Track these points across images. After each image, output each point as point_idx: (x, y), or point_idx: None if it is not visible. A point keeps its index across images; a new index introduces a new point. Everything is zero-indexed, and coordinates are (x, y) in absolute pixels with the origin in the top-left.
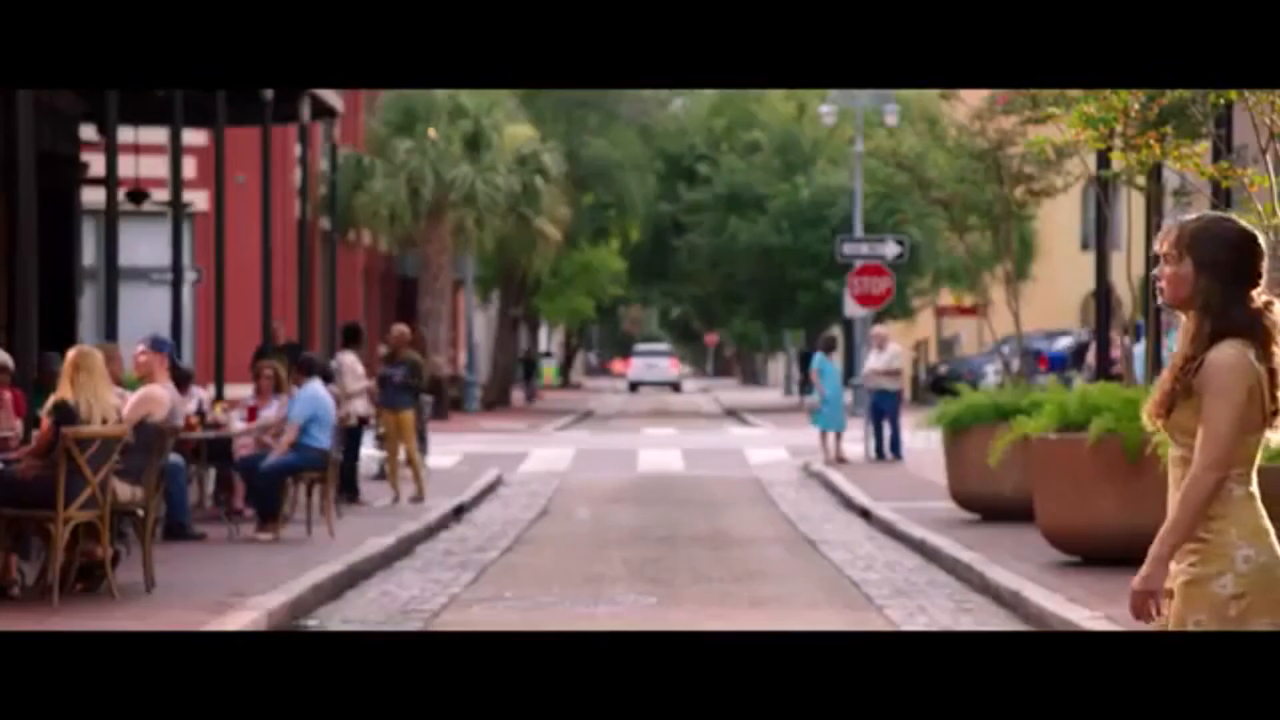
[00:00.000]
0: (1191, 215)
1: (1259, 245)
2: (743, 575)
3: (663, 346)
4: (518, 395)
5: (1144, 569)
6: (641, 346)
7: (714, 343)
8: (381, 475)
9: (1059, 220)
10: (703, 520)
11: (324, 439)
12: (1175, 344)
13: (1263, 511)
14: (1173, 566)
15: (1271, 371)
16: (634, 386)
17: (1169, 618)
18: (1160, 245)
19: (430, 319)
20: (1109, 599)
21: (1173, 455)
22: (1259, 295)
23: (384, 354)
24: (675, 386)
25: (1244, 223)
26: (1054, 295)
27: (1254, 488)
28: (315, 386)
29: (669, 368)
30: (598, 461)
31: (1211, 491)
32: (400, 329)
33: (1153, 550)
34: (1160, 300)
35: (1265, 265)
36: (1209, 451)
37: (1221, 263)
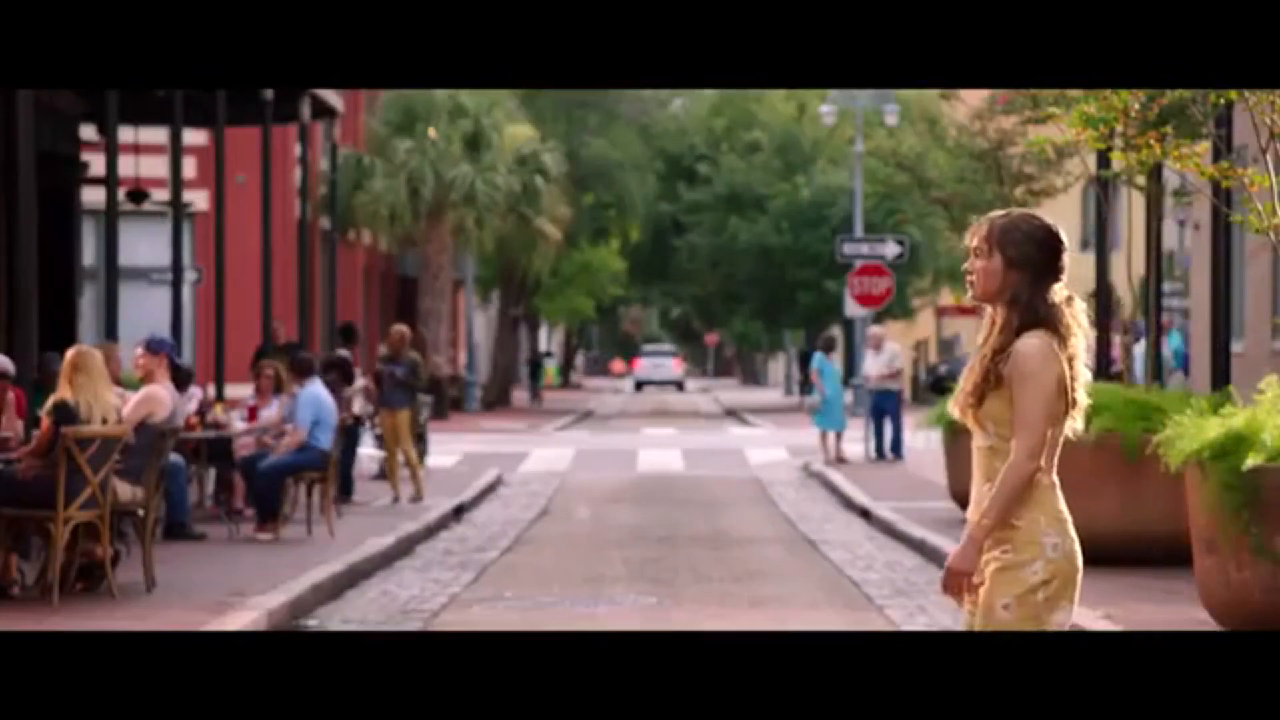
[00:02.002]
0: (1000, 212)
1: (1063, 242)
2: (743, 575)
3: (667, 347)
4: (520, 395)
5: (959, 549)
6: (648, 347)
7: (714, 343)
8: (382, 475)
9: (1059, 220)
10: (703, 520)
11: (325, 439)
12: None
13: (1062, 498)
14: (986, 554)
15: (1069, 361)
16: (639, 385)
17: (978, 603)
18: (970, 240)
19: (430, 319)
20: (1108, 599)
21: (980, 445)
22: (1060, 290)
23: (384, 354)
24: (679, 385)
25: (1048, 220)
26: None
27: (1055, 477)
28: (315, 388)
29: (673, 367)
30: (598, 461)
31: (1030, 478)
32: (400, 329)
33: (968, 532)
34: (970, 294)
35: (1066, 261)
36: (1026, 439)
37: (1029, 258)
